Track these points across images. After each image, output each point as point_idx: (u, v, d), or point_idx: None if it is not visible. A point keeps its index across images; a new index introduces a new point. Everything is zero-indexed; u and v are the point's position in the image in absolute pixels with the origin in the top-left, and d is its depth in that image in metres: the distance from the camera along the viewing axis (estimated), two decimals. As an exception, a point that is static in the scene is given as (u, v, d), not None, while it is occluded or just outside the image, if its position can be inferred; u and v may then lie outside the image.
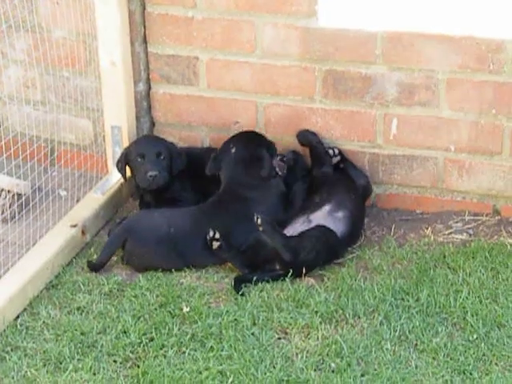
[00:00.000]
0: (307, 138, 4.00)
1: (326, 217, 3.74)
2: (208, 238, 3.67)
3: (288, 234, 3.69)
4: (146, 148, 3.93)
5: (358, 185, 3.93)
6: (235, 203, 3.80)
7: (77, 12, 4.02)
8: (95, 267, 3.72)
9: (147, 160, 3.89)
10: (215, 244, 3.66)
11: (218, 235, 3.65)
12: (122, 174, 4.01)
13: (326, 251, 3.67)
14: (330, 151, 3.96)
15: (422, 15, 3.81)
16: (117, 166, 4.02)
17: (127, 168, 4.00)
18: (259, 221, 3.59)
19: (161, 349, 3.30)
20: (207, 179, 4.00)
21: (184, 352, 3.29)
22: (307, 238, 3.63)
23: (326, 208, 3.77)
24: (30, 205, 3.98)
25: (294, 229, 3.72)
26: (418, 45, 3.84)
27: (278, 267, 3.64)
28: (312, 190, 3.90)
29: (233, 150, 3.92)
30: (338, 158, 3.97)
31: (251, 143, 3.96)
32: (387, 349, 3.29)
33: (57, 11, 4.07)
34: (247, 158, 3.90)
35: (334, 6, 3.87)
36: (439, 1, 3.77)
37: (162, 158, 3.91)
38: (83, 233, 3.89)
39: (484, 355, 3.25)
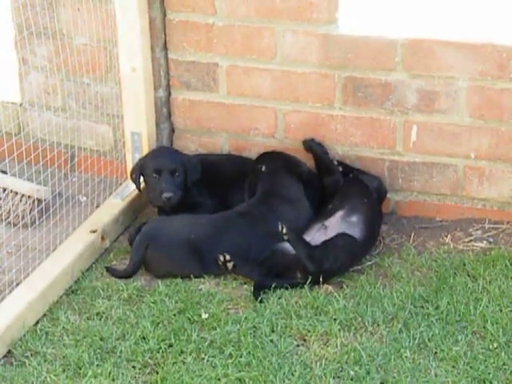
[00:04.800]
0: (312, 148, 4.00)
1: (341, 222, 3.74)
2: (220, 263, 3.67)
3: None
4: (162, 164, 3.91)
5: (371, 188, 3.92)
6: (263, 216, 3.81)
7: (98, 19, 4.04)
8: (123, 277, 3.73)
9: (162, 179, 3.88)
10: (229, 265, 3.66)
11: (228, 257, 3.65)
12: (136, 184, 4.01)
13: (349, 260, 3.68)
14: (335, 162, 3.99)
15: (443, 22, 3.80)
16: (131, 177, 4.02)
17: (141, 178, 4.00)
18: (284, 229, 3.59)
19: (179, 355, 3.31)
20: (224, 185, 4.01)
21: (203, 358, 3.29)
22: (331, 249, 3.62)
23: (340, 214, 3.77)
24: (51, 210, 3.99)
25: (311, 236, 3.71)
26: (439, 52, 3.83)
27: (299, 275, 3.64)
28: (324, 199, 3.90)
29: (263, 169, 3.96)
30: (340, 168, 3.98)
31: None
32: (406, 357, 3.27)
33: (78, 18, 4.08)
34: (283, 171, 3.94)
35: (354, 13, 3.87)
36: (459, 8, 3.76)
37: (176, 175, 3.90)
38: (103, 238, 3.90)
39: (504, 364, 3.23)
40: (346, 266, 3.68)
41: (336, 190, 3.90)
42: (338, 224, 3.73)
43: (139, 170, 3.98)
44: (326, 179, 3.95)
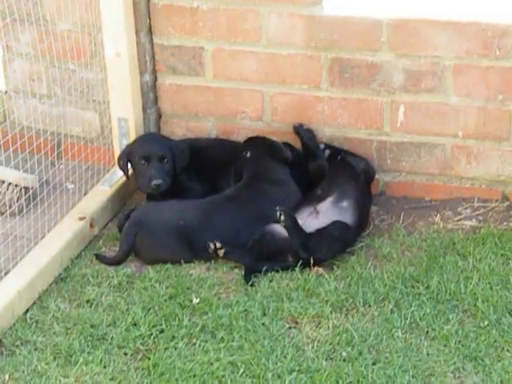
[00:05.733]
0: (299, 133, 3.99)
1: (332, 208, 3.74)
2: (211, 251, 3.66)
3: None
4: (150, 151, 3.88)
5: (358, 170, 3.92)
6: (252, 198, 3.80)
7: (81, 4, 4.01)
8: (112, 264, 3.72)
9: (151, 166, 3.86)
10: (220, 252, 3.65)
11: (218, 244, 3.64)
12: (124, 171, 3.98)
13: (342, 249, 3.67)
14: (321, 145, 3.97)
15: (427, 1, 3.79)
16: (118, 164, 3.99)
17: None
18: (282, 216, 3.58)
19: (171, 340, 3.30)
20: (213, 169, 4.00)
21: (194, 343, 3.29)
22: (326, 239, 3.61)
23: (330, 199, 3.76)
24: (38, 198, 3.97)
25: (303, 219, 3.70)
26: (424, 31, 3.82)
27: (290, 259, 3.63)
28: (312, 184, 3.89)
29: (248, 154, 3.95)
30: (328, 151, 3.97)
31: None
32: (398, 337, 3.28)
33: (61, 3, 4.05)
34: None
35: (339, -7, 3.86)
36: (445, -14, 3.76)
37: (165, 161, 3.88)
38: (91, 225, 3.88)
39: (495, 341, 3.24)
40: (338, 254, 3.67)
41: (321, 175, 3.89)
42: (329, 209, 3.73)
43: (127, 157, 3.95)
44: (311, 164, 3.95)
